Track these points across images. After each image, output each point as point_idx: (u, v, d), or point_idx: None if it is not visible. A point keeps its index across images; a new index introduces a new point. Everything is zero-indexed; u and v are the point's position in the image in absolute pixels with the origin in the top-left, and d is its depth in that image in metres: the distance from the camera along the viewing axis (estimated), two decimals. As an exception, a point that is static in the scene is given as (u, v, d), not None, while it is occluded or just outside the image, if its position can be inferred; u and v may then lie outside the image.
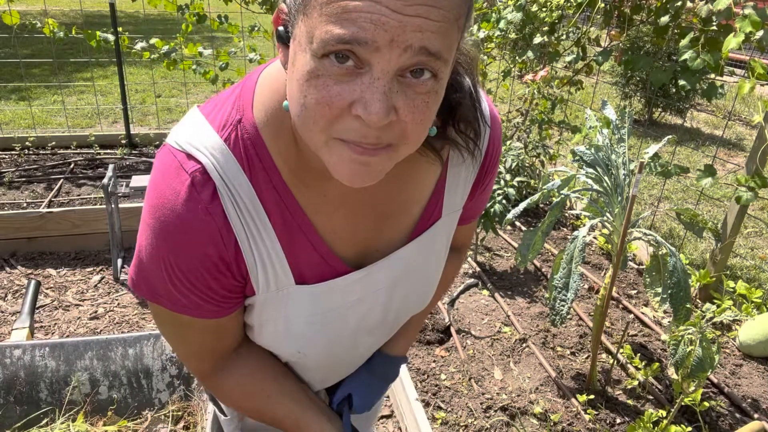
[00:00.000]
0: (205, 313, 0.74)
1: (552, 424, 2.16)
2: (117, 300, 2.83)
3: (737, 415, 2.28)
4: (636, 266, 3.38)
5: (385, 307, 0.85)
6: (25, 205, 3.71)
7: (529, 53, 3.48)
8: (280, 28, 0.61)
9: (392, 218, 0.80)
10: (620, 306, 2.99)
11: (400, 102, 0.56)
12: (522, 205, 2.14)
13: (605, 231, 3.55)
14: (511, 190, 2.92)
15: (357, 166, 0.59)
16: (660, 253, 2.01)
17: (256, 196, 0.69)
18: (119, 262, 2.96)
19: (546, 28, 3.44)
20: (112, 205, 2.87)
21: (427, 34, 0.53)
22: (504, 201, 2.89)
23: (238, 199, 0.68)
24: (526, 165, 3.62)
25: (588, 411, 2.21)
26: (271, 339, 0.81)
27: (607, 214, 2.13)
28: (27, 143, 4.59)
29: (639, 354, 2.56)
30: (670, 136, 2.25)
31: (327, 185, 0.72)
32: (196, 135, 0.67)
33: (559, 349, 2.60)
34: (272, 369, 0.87)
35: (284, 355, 0.84)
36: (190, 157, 0.66)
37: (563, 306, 2.00)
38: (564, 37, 3.54)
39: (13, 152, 4.53)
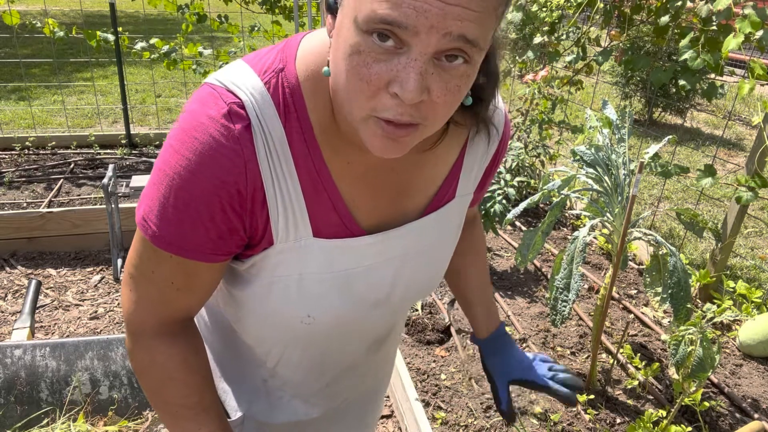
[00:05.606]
0: (187, 249, 0.72)
1: (552, 424, 2.16)
2: (117, 300, 2.82)
3: (737, 415, 2.28)
4: (636, 266, 3.38)
5: (393, 281, 0.86)
6: (25, 205, 3.71)
7: (529, 53, 3.48)
8: None
9: (409, 195, 0.83)
10: (620, 306, 2.99)
11: (435, 84, 0.59)
12: (522, 205, 2.14)
13: (605, 231, 3.55)
14: (511, 190, 2.92)
15: (387, 141, 0.63)
16: (660, 252, 2.01)
17: (287, 143, 0.71)
18: (119, 262, 2.96)
19: (546, 28, 3.44)
20: (112, 205, 2.87)
21: (466, 23, 0.55)
22: (504, 201, 2.89)
23: (269, 140, 0.69)
24: (526, 165, 3.62)
25: (588, 411, 2.21)
26: (282, 300, 0.80)
27: (607, 214, 2.13)
28: (27, 143, 4.60)
29: (639, 354, 2.56)
30: (670, 136, 2.25)
31: (353, 153, 0.74)
32: (238, 75, 0.70)
33: (559, 349, 2.60)
34: (205, 354, 0.86)
35: (292, 320, 0.82)
36: (229, 91, 0.68)
37: (565, 306, 2.01)
38: (564, 37, 3.54)
39: (13, 152, 4.54)
